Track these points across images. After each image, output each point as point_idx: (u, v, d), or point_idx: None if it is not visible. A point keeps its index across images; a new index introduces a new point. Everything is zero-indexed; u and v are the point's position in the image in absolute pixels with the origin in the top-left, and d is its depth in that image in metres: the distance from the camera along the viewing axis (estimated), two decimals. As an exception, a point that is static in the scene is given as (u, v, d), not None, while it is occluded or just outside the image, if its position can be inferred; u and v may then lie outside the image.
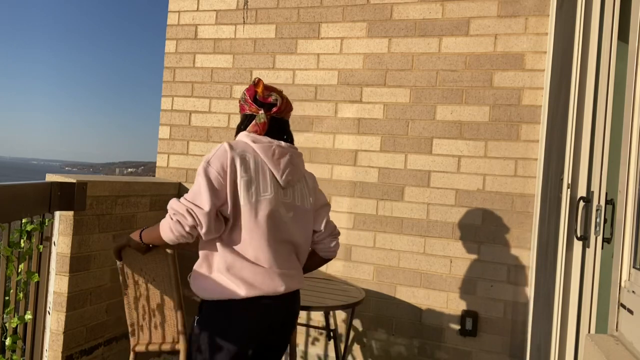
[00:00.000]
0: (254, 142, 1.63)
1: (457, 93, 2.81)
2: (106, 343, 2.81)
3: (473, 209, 2.77)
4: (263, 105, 1.69)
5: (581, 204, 1.70)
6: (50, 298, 2.53)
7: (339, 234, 1.87)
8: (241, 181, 1.56)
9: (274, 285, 1.59)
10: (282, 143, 1.67)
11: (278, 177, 1.63)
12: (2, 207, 2.10)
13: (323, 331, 2.94)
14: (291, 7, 3.12)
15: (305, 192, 1.73)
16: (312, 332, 3.03)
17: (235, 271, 1.57)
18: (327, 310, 2.55)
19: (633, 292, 1.15)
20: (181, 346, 1.95)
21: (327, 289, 2.77)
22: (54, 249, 2.53)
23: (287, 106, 1.74)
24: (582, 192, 1.73)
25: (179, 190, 3.31)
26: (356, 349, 2.97)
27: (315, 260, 1.87)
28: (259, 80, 1.70)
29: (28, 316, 2.46)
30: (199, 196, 1.53)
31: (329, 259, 1.88)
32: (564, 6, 2.27)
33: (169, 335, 2.01)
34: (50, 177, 2.49)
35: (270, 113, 1.68)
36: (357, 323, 2.94)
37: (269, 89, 1.71)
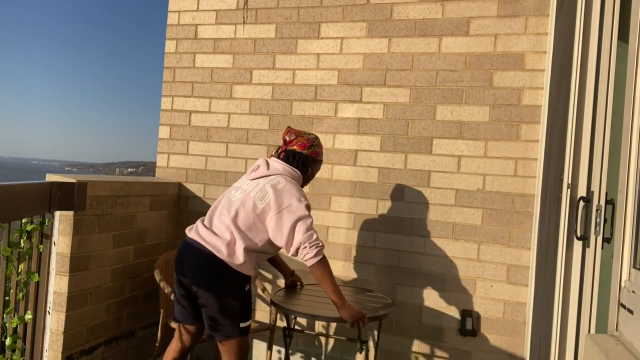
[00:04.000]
0: None
1: (457, 93, 2.81)
2: (106, 343, 2.81)
3: (473, 209, 2.77)
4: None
5: (581, 204, 1.69)
6: (50, 298, 2.53)
7: None
8: None
9: None
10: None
11: None
12: (2, 207, 2.10)
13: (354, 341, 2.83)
14: (291, 7, 3.12)
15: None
16: (337, 341, 3.03)
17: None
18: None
19: (633, 292, 1.15)
20: None
21: (352, 298, 2.52)
22: (54, 249, 2.53)
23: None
24: (582, 192, 1.73)
25: (179, 190, 3.31)
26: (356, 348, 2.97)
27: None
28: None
29: (28, 316, 2.46)
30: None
31: None
32: (564, 6, 2.27)
33: None
34: (50, 177, 2.49)
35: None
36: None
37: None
